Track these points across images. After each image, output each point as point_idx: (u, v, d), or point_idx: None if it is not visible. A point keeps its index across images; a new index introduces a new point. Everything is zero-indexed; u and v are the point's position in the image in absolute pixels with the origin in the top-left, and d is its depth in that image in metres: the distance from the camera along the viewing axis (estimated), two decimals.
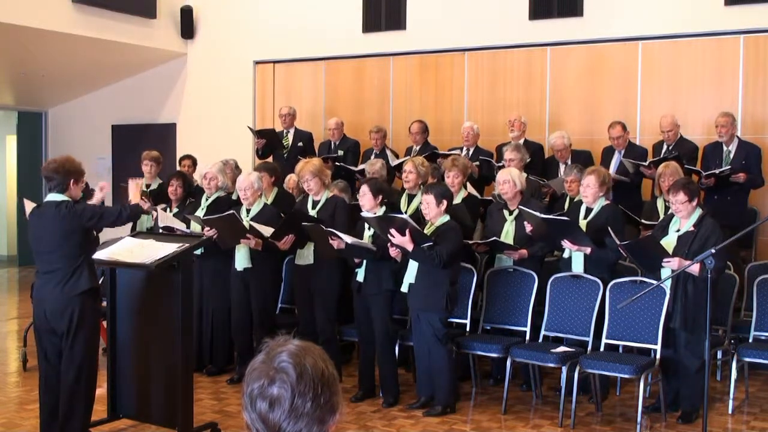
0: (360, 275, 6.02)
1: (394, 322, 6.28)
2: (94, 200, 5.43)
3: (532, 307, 6.15)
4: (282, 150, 9.07)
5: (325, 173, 6.58)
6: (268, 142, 9.01)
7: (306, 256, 6.38)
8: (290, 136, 9.20)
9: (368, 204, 6.00)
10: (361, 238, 6.03)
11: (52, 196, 4.78)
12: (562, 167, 7.72)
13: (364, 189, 6.04)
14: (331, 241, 5.90)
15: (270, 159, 9.25)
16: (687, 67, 8.62)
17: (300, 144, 9.07)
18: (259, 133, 9.15)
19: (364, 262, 5.99)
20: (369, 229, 6.06)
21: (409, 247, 5.57)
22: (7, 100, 12.91)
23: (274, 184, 7.12)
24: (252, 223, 6.31)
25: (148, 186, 7.79)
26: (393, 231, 5.57)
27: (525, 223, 6.08)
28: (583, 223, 6.03)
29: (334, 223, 6.19)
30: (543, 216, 5.93)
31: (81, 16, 10.09)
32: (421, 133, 8.72)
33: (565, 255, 6.09)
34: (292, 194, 7.48)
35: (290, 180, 7.67)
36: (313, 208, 6.38)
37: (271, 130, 9.38)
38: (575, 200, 6.52)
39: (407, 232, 5.55)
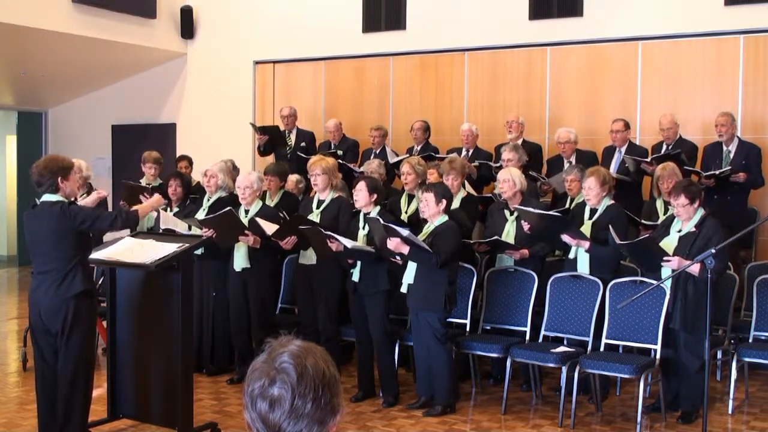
0: (355, 275, 6.02)
1: (392, 322, 6.29)
2: (88, 200, 5.39)
3: (532, 307, 6.15)
4: (284, 148, 9.08)
5: (335, 174, 6.59)
6: (270, 139, 9.01)
7: (309, 255, 6.37)
8: (293, 137, 9.21)
9: (362, 200, 6.01)
10: (356, 237, 6.04)
11: (47, 197, 4.77)
12: (566, 165, 7.68)
13: (361, 185, 6.05)
14: (329, 244, 5.90)
15: (272, 158, 9.26)
16: (687, 67, 8.62)
17: (303, 144, 9.08)
18: (261, 130, 9.14)
19: (359, 261, 5.99)
20: (363, 228, 6.07)
21: (405, 250, 5.56)
22: (7, 100, 12.91)
23: (281, 187, 7.18)
24: (257, 219, 6.30)
25: (149, 184, 7.80)
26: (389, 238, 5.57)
27: (522, 222, 6.09)
28: (588, 224, 6.03)
29: (338, 223, 6.20)
30: (536, 211, 5.95)
31: (81, 16, 10.09)
32: (423, 131, 8.73)
33: (570, 255, 6.10)
34: (295, 195, 7.51)
35: (289, 181, 7.67)
36: (318, 207, 6.38)
37: (274, 126, 9.37)
38: (579, 201, 6.52)
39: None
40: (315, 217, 6.28)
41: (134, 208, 5.16)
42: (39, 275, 4.80)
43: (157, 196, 5.50)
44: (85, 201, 5.45)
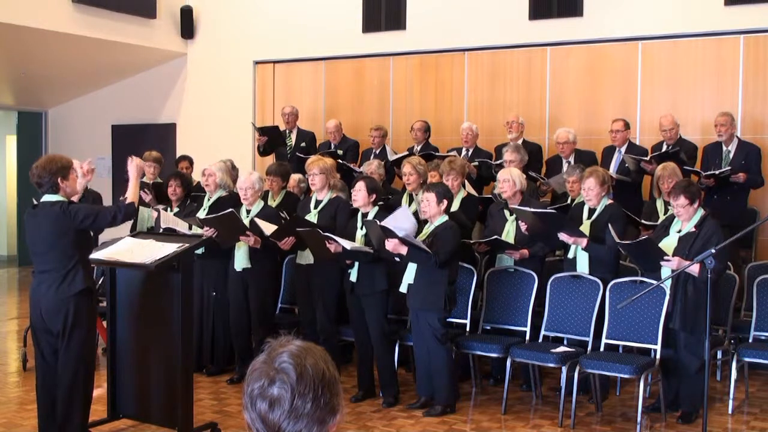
0: (353, 275, 6.02)
1: (391, 322, 6.28)
2: (79, 181, 5.16)
3: (532, 307, 6.15)
4: (284, 148, 9.08)
5: (333, 174, 6.60)
6: (269, 140, 9.02)
7: (307, 255, 6.37)
8: (293, 136, 9.22)
9: (361, 200, 6.02)
10: (354, 237, 6.04)
11: (47, 197, 4.76)
12: (565, 165, 7.69)
13: (360, 185, 6.06)
14: (327, 245, 5.90)
15: (272, 158, 9.26)
16: (687, 67, 8.62)
17: (303, 144, 9.09)
18: (261, 130, 9.16)
19: (356, 262, 5.99)
20: (361, 228, 6.07)
21: (403, 251, 5.56)
22: (7, 100, 12.92)
23: (283, 187, 7.19)
24: (256, 219, 6.30)
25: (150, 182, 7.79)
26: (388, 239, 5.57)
27: (520, 222, 6.10)
28: (587, 224, 6.03)
29: (335, 223, 6.19)
30: (532, 210, 5.95)
31: (81, 16, 10.09)
32: (423, 131, 8.75)
33: (570, 255, 6.10)
34: (296, 195, 7.52)
35: (291, 180, 7.68)
36: (316, 207, 6.38)
37: (274, 127, 9.39)
38: (577, 201, 6.52)
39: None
40: (313, 217, 6.29)
41: (126, 198, 4.95)
42: (39, 275, 4.80)
43: (130, 168, 5.09)
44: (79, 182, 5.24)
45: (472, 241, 6.48)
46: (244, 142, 10.75)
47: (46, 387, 4.84)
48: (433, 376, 5.84)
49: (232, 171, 7.63)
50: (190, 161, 8.93)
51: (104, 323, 5.63)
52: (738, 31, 8.33)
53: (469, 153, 8.30)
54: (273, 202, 7.09)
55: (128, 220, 5.11)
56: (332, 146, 9.02)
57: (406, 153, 8.15)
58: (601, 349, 5.77)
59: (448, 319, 5.90)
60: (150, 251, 4.98)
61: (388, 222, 5.57)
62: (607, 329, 5.78)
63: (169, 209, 7.03)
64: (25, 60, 10.85)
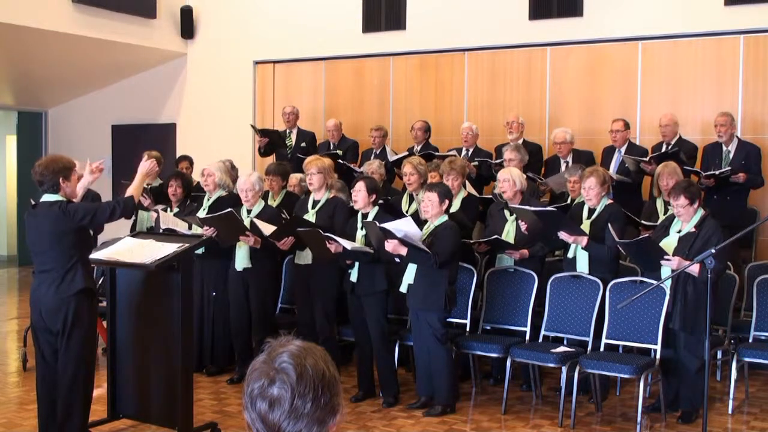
0: (353, 275, 6.02)
1: (392, 322, 6.28)
2: (81, 183, 5.20)
3: (532, 307, 6.15)
4: (284, 149, 9.09)
5: (331, 174, 6.59)
6: (270, 141, 9.03)
7: (305, 255, 6.37)
8: (293, 136, 9.22)
9: (361, 201, 6.02)
10: (354, 238, 6.04)
11: (47, 197, 4.76)
12: (563, 165, 7.70)
13: (360, 185, 6.06)
14: (328, 245, 5.89)
15: (272, 158, 9.26)
16: (687, 67, 8.62)
17: (303, 144, 9.09)
18: (262, 132, 9.18)
19: (357, 262, 5.99)
20: (361, 228, 6.07)
21: (403, 251, 5.56)
22: (7, 100, 12.91)
23: (283, 187, 7.19)
24: (255, 220, 6.31)
25: (149, 185, 7.75)
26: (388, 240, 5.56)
27: (520, 222, 6.10)
28: (586, 223, 6.04)
29: (333, 224, 6.19)
30: (532, 209, 5.95)
31: (81, 16, 10.10)
32: (424, 131, 8.75)
33: (570, 255, 6.10)
34: (297, 195, 7.52)
35: (291, 179, 7.68)
36: (313, 207, 6.38)
37: (274, 130, 9.41)
38: (577, 201, 6.52)
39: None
40: (311, 217, 6.28)
41: (128, 193, 5.01)
42: (40, 274, 4.80)
43: (143, 164, 5.21)
44: (82, 183, 5.24)
45: (472, 241, 6.48)
46: (244, 142, 10.75)
47: (46, 387, 4.84)
48: (433, 376, 5.84)
49: (232, 171, 7.62)
50: (190, 161, 8.93)
51: (104, 323, 5.63)
52: (738, 31, 8.33)
53: (469, 153, 8.30)
54: (273, 202, 7.09)
55: (127, 214, 5.08)
56: (331, 146, 9.02)
57: (406, 153, 8.16)
58: (601, 349, 5.77)
59: (448, 319, 5.90)
60: (150, 251, 4.98)
61: (390, 227, 5.56)
62: (607, 329, 5.78)
63: (169, 209, 7.03)
64: (25, 60, 10.85)
